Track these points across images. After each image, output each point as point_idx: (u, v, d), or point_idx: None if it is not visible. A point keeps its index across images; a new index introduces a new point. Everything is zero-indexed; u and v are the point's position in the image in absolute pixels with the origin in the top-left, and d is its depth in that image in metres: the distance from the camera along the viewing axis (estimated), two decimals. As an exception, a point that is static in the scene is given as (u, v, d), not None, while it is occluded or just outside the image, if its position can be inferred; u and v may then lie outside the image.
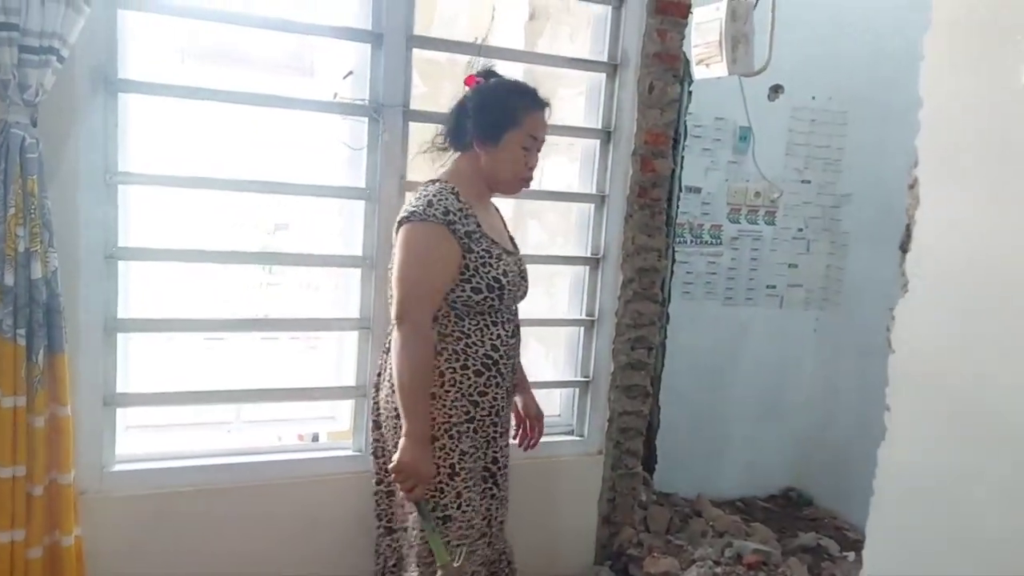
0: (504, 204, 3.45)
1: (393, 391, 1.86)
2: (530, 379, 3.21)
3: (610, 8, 2.59)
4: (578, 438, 2.76)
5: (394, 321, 1.83)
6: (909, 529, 1.70)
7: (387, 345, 1.96)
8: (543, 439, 2.68)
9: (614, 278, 2.68)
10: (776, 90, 3.62)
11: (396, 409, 1.87)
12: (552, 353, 3.14)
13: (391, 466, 1.83)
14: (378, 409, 2.01)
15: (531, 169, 1.96)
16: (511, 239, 2.12)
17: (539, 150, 1.97)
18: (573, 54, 2.84)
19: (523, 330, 3.36)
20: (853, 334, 3.66)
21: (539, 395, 3.17)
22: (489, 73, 2.00)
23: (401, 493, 1.90)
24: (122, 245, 2.12)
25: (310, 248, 3.94)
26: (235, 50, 2.16)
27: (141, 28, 2.12)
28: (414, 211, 1.83)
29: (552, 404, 2.89)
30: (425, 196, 1.85)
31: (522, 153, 1.92)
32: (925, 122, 1.70)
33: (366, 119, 2.30)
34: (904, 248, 1.73)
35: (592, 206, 2.69)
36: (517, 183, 1.97)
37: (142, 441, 2.31)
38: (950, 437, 1.62)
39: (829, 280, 3.83)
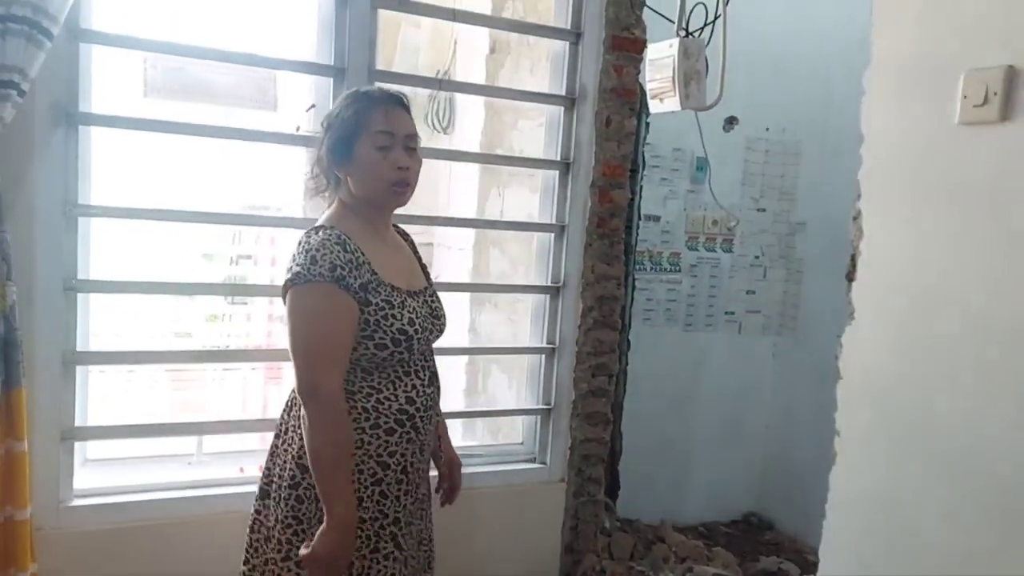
0: (466, 233, 3.52)
1: (298, 464, 1.69)
2: (494, 407, 3.25)
3: (568, 44, 2.66)
4: (540, 466, 2.78)
5: (299, 397, 1.64)
6: (860, 551, 1.75)
7: (288, 415, 1.78)
8: (503, 468, 2.72)
9: (574, 306, 2.73)
10: (731, 121, 3.73)
11: (292, 480, 1.70)
12: (515, 381, 3.17)
13: (304, 554, 1.62)
14: (269, 477, 1.79)
15: (400, 169, 1.71)
16: (423, 269, 1.96)
17: (411, 147, 1.75)
18: (533, 87, 2.91)
19: (484, 359, 3.42)
20: (810, 359, 3.75)
21: (502, 423, 3.22)
22: None
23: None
24: (82, 277, 2.11)
25: (273, 279, 3.94)
26: (198, 83, 2.17)
27: (103, 61, 2.12)
28: (299, 272, 1.63)
29: (514, 432, 2.92)
30: (308, 251, 1.64)
31: (379, 155, 1.70)
32: (867, 156, 1.79)
33: (328, 151, 2.32)
34: (850, 277, 1.80)
35: (552, 236, 2.74)
36: (389, 188, 1.72)
37: (101, 475, 2.27)
38: (896, 460, 1.68)
39: (786, 306, 3.93)
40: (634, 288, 3.45)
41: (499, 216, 3.28)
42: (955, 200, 1.57)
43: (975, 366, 1.52)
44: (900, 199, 1.69)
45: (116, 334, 2.71)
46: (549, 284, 2.74)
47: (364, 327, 1.67)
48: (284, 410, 1.83)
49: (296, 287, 1.64)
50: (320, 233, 1.68)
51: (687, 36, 2.38)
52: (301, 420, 1.67)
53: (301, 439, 1.68)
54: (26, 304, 1.97)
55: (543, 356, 2.78)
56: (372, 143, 1.70)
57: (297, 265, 1.65)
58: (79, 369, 2.16)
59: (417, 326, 1.74)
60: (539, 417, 2.79)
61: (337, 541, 1.61)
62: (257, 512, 1.82)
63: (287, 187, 3.01)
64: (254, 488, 2.32)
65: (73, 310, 2.11)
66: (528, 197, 3.10)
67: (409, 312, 1.73)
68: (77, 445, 2.19)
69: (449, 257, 3.71)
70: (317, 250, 1.64)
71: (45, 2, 1.81)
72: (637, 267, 3.53)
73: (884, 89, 1.75)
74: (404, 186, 1.74)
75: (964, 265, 1.54)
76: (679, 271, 3.73)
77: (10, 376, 1.88)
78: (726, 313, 3.83)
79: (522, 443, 2.83)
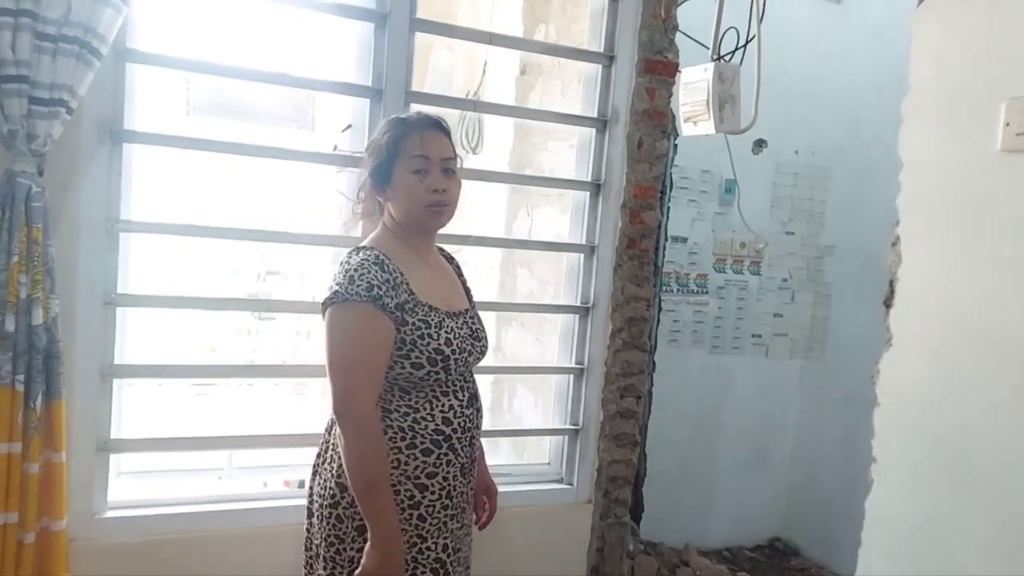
0: (493, 252, 3.53)
1: (337, 483, 1.72)
2: (520, 425, 3.25)
3: (600, 67, 2.68)
4: (567, 487, 2.77)
5: (334, 416, 1.68)
6: (896, 580, 1.73)
7: (329, 435, 1.81)
8: (530, 488, 2.72)
9: (603, 327, 2.73)
10: (760, 144, 3.73)
11: (332, 500, 1.73)
12: (541, 400, 3.17)
13: (356, 575, 1.65)
14: (311, 494, 1.83)
15: (436, 191, 1.74)
16: (466, 290, 1.99)
17: (447, 170, 1.78)
18: (564, 108, 2.93)
19: (510, 378, 3.42)
20: (838, 384, 3.72)
21: (527, 442, 3.21)
22: None
23: None
24: (121, 291, 2.14)
25: (302, 295, 3.97)
26: (239, 103, 2.21)
27: (148, 81, 2.17)
28: (336, 291, 1.66)
29: (540, 452, 2.91)
30: (347, 271, 1.68)
31: (415, 178, 1.74)
32: (905, 183, 1.78)
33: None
34: (888, 304, 1.79)
35: (582, 256, 2.75)
36: (426, 210, 1.76)
37: (134, 487, 2.30)
38: (933, 489, 1.66)
39: (814, 330, 3.90)
40: (660, 309, 3.44)
41: (527, 236, 3.29)
42: (997, 228, 1.56)
43: (1012, 397, 1.50)
44: (940, 226, 1.69)
45: (146, 347, 2.74)
46: (579, 304, 2.74)
47: (400, 346, 1.69)
48: (325, 429, 1.85)
49: (334, 305, 1.67)
50: (360, 254, 1.72)
51: (720, 60, 2.39)
52: (337, 439, 1.70)
53: (340, 459, 1.70)
54: (67, 317, 2.00)
55: (571, 376, 2.77)
56: (408, 167, 1.75)
57: (336, 284, 1.68)
58: (115, 382, 2.18)
59: (455, 346, 1.75)
60: (566, 438, 2.79)
61: (382, 558, 1.62)
62: (307, 530, 1.85)
63: (321, 205, 3.06)
64: (283, 503, 2.36)
65: (112, 324, 2.14)
66: (556, 217, 3.11)
67: (447, 332, 1.74)
68: (112, 457, 2.21)
69: (476, 276, 3.72)
70: (356, 270, 1.67)
71: (95, 22, 1.86)
72: (664, 288, 3.53)
73: (922, 116, 1.75)
74: (441, 207, 1.78)
75: (1004, 294, 1.54)
76: (706, 293, 3.73)
77: (51, 388, 1.91)
78: (753, 336, 3.82)
79: (548, 463, 2.83)
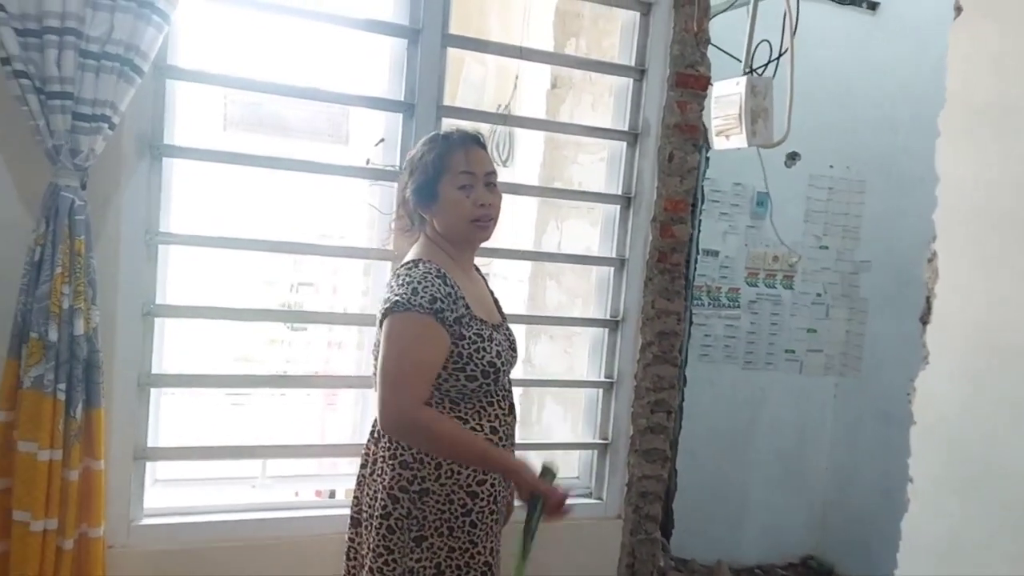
0: (522, 265, 3.54)
1: (389, 495, 1.74)
2: (548, 440, 3.24)
3: (631, 81, 2.68)
4: (596, 501, 2.76)
5: (383, 426, 1.71)
6: (933, 602, 1.69)
7: (376, 445, 1.83)
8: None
9: (633, 341, 2.72)
10: (793, 157, 3.70)
11: (383, 511, 1.75)
12: (570, 414, 3.16)
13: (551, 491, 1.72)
14: (359, 505, 1.85)
15: (482, 206, 1.78)
16: (496, 303, 2.01)
17: (490, 184, 1.82)
18: (594, 121, 2.94)
19: (539, 390, 3.41)
20: (874, 401, 3.66)
21: (556, 456, 3.19)
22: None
23: None
24: (159, 302, 2.19)
25: (336, 307, 4.02)
26: (275, 117, 2.26)
27: (187, 96, 2.22)
28: (398, 301, 1.69)
29: (570, 466, 2.90)
30: (409, 283, 1.71)
31: (461, 194, 1.77)
32: (942, 198, 1.76)
33: (396, 184, 2.38)
34: (924, 320, 1.76)
35: (612, 269, 2.74)
36: (472, 225, 1.80)
37: (168, 495, 2.34)
38: (970, 510, 1.63)
39: (849, 346, 3.85)
40: (691, 323, 3.42)
41: (556, 248, 3.30)
42: (1037, 242, 1.53)
43: (1057, 415, 1.47)
44: (978, 241, 1.66)
45: (181, 356, 2.79)
46: (608, 318, 2.74)
47: (457, 360, 1.73)
48: (371, 440, 1.88)
49: (395, 315, 1.70)
50: (420, 266, 1.76)
51: (753, 73, 2.39)
52: (389, 449, 1.75)
53: (392, 469, 1.74)
54: (106, 327, 2.04)
55: (601, 390, 2.77)
56: (454, 183, 1.78)
57: (397, 295, 1.72)
58: (152, 391, 2.22)
59: (503, 358, 1.81)
60: (596, 452, 2.78)
61: (521, 480, 1.72)
62: (351, 540, 1.88)
63: (353, 218, 3.09)
64: (318, 512, 2.38)
65: (150, 334, 2.18)
66: (586, 230, 3.11)
67: (496, 345, 1.80)
68: (148, 465, 2.25)
69: (506, 288, 3.73)
70: (419, 282, 1.71)
71: (137, 40, 1.91)
72: (695, 302, 3.51)
73: (960, 130, 1.73)
74: (487, 221, 1.83)
75: (1046, 311, 1.51)
76: (738, 307, 3.70)
77: (91, 396, 1.96)
78: (786, 351, 3.77)
79: (578, 477, 2.82)
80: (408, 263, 1.80)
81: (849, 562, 3.75)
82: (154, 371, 2.21)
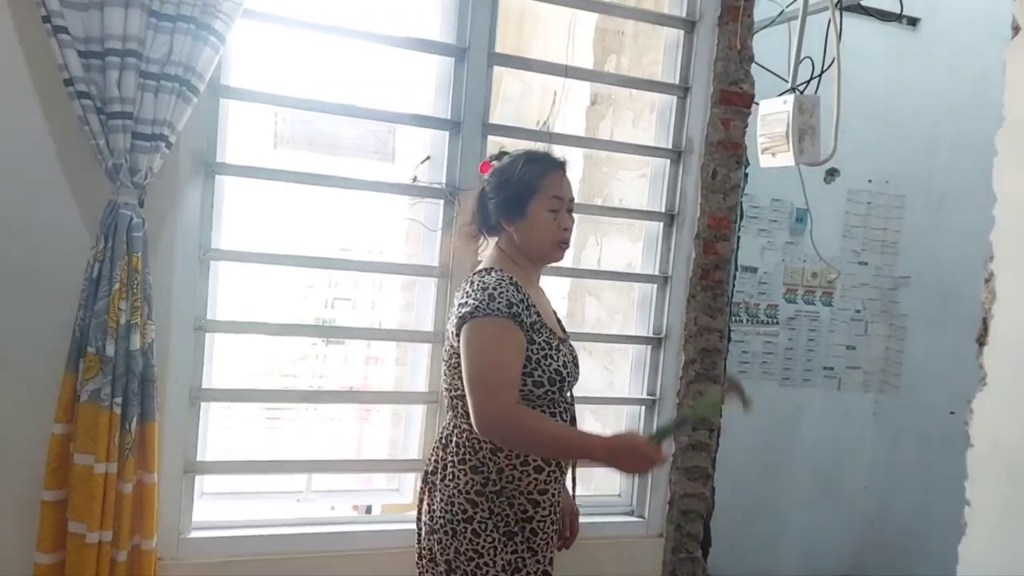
0: (562, 281, 3.54)
1: (467, 499, 1.78)
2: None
3: (675, 98, 2.68)
4: (638, 519, 2.75)
5: (478, 429, 1.72)
6: (994, 628, 1.66)
7: (444, 451, 1.86)
8: (600, 520, 2.70)
9: (676, 358, 2.71)
10: (832, 173, 3.68)
11: (464, 515, 1.78)
12: (608, 430, 3.15)
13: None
14: (432, 512, 1.86)
15: (566, 231, 1.88)
16: (559, 322, 2.06)
17: (570, 210, 1.91)
18: (635, 138, 2.94)
19: (580, 406, 3.41)
20: (914, 419, 3.61)
21: (596, 473, 3.19)
22: (501, 155, 1.99)
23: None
24: (210, 318, 2.22)
25: (377, 322, 4.04)
26: (324, 135, 2.29)
27: (239, 115, 2.25)
28: (477, 306, 1.74)
29: (612, 484, 2.89)
30: (484, 288, 1.77)
31: (551, 217, 1.85)
32: (999, 218, 1.74)
33: (441, 201, 2.40)
34: (981, 342, 1.74)
35: (655, 286, 2.74)
36: (556, 248, 1.89)
37: (215, 508, 2.36)
38: (1034, 535, 1.60)
39: (888, 363, 3.80)
40: (730, 340, 3.40)
41: (596, 264, 3.30)
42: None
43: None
44: (1039, 263, 1.64)
45: (226, 371, 2.82)
46: (651, 335, 2.73)
47: (527, 364, 1.78)
48: (438, 447, 1.91)
49: (474, 320, 1.74)
50: (493, 274, 1.81)
51: (799, 91, 2.38)
52: (458, 454, 1.80)
53: (464, 475, 1.79)
54: (160, 342, 2.07)
55: (643, 407, 2.76)
56: (546, 205, 1.85)
57: (475, 300, 1.76)
58: (203, 405, 2.25)
59: (568, 369, 1.85)
60: (637, 469, 2.76)
61: (622, 462, 1.73)
62: (428, 549, 1.87)
63: (393, 234, 3.12)
64: (360, 528, 2.39)
65: (201, 348, 2.22)
66: (626, 247, 3.11)
67: (563, 355, 1.85)
68: (197, 478, 2.27)
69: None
70: (494, 288, 1.77)
71: (194, 61, 1.95)
72: (733, 319, 3.48)
73: (1018, 150, 1.71)
74: (566, 245, 1.90)
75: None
76: (776, 323, 3.67)
77: (145, 410, 1.99)
78: (825, 368, 3.73)
79: (619, 495, 2.81)
80: (481, 270, 1.86)
81: (889, 583, 3.69)
82: (204, 386, 2.23)
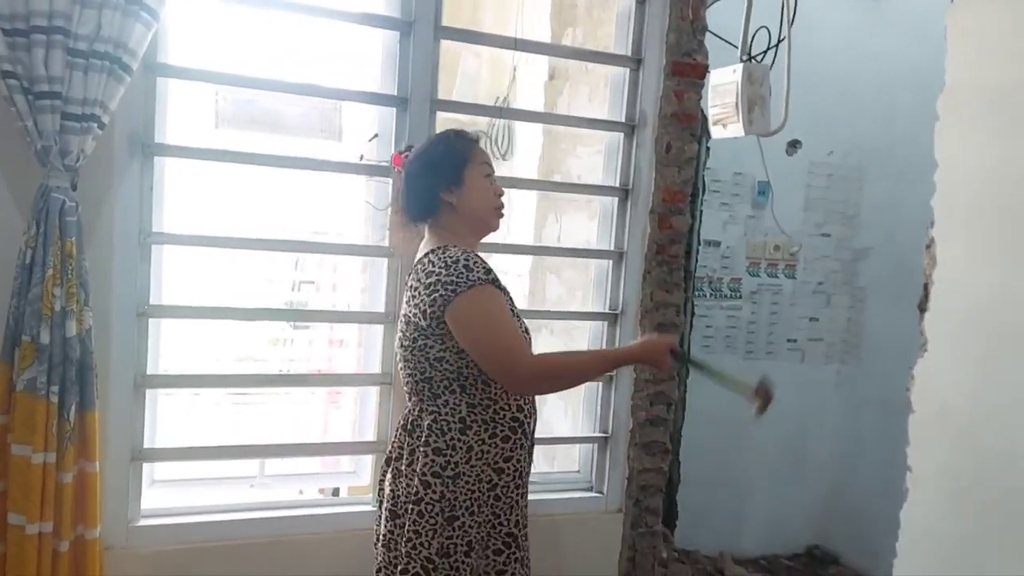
0: (522, 259, 3.52)
1: (422, 480, 1.79)
2: (550, 433, 3.23)
3: (628, 70, 2.65)
4: (597, 495, 2.74)
5: (521, 385, 1.81)
6: (935, 593, 1.68)
7: (410, 434, 1.86)
8: (560, 496, 2.70)
9: (632, 334, 2.70)
10: (794, 145, 3.67)
11: (416, 495, 1.80)
12: (571, 408, 3.14)
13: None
14: (395, 498, 1.87)
15: (500, 197, 1.93)
16: None
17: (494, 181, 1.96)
18: (591, 113, 2.92)
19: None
20: (875, 388, 3.64)
21: (557, 451, 3.19)
22: (408, 148, 2.12)
23: None
24: (154, 303, 2.17)
25: (335, 304, 4.00)
26: (267, 114, 2.24)
27: (178, 94, 2.20)
28: (458, 280, 1.74)
29: (570, 460, 2.89)
30: (455, 263, 1.76)
31: (487, 182, 1.90)
32: (940, 183, 1.74)
33: (390, 180, 2.36)
34: (922, 307, 1.75)
35: (610, 262, 2.72)
36: (494, 214, 1.93)
37: (166, 496, 2.33)
38: (973, 500, 1.61)
39: (850, 334, 3.83)
40: (693, 315, 3.40)
41: (556, 242, 3.28)
42: (1036, 229, 1.51)
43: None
44: (978, 227, 1.64)
45: (182, 357, 2.77)
46: (607, 311, 2.72)
47: None
48: (403, 432, 1.90)
49: (462, 295, 1.74)
50: (451, 249, 1.82)
51: (750, 61, 2.36)
52: (422, 437, 1.81)
53: (425, 456, 1.79)
54: (100, 329, 2.03)
55: (600, 384, 2.75)
56: (480, 172, 1.90)
57: (450, 276, 1.75)
58: (148, 392, 2.21)
59: (528, 337, 1.91)
60: (596, 445, 2.76)
61: (653, 359, 1.92)
62: (389, 532, 1.87)
63: (351, 214, 3.07)
64: (317, 511, 2.37)
65: (145, 335, 2.17)
66: (585, 223, 3.09)
67: (523, 324, 1.91)
68: (145, 466, 2.24)
69: (506, 282, 3.71)
70: (464, 260, 1.78)
71: (126, 38, 1.89)
72: (696, 293, 3.48)
73: (958, 115, 1.71)
74: (502, 212, 1.95)
75: (1048, 297, 1.48)
76: (739, 297, 3.67)
77: (84, 398, 1.94)
78: (788, 340, 3.75)
79: (578, 471, 2.80)
80: (435, 249, 1.84)
81: (854, 551, 3.73)
82: (150, 372, 2.19)
